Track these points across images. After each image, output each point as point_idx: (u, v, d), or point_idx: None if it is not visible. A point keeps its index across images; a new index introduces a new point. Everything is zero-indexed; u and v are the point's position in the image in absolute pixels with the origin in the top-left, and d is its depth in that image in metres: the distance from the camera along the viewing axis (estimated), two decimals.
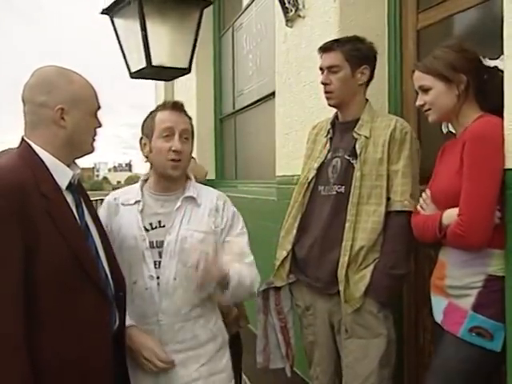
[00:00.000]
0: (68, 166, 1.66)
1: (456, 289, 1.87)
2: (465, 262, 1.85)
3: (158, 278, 1.91)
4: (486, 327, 1.78)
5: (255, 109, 5.05)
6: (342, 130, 2.40)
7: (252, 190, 4.76)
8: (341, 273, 2.21)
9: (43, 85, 1.61)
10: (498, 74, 1.92)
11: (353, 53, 2.31)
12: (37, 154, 1.59)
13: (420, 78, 1.97)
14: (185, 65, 3.40)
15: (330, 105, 2.38)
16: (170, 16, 3.24)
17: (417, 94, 2.01)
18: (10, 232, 1.45)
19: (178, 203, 1.97)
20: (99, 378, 1.61)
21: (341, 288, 2.21)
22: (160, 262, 1.92)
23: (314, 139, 2.53)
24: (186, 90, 6.17)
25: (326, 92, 2.35)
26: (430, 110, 1.97)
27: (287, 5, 3.29)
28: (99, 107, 1.73)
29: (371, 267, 2.21)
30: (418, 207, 2.06)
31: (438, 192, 1.96)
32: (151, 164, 2.01)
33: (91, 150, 1.74)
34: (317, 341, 2.38)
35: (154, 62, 3.24)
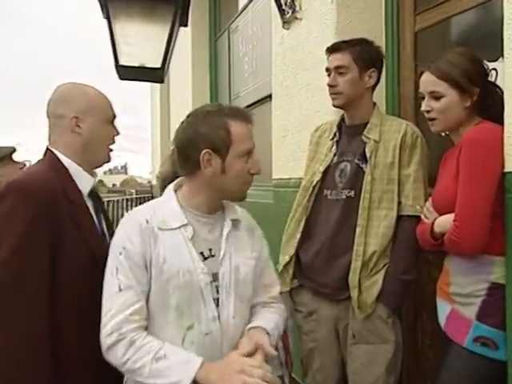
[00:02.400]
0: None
1: (461, 296, 1.85)
2: (468, 269, 1.82)
3: (218, 318, 1.62)
4: (490, 337, 1.75)
5: (251, 111, 5.00)
6: (349, 133, 2.36)
7: (248, 194, 4.72)
8: (353, 278, 2.17)
9: (60, 98, 1.78)
10: (496, 90, 1.91)
11: (362, 55, 2.27)
12: (61, 162, 1.74)
13: (432, 83, 1.88)
14: (157, 64, 3.32)
15: (334, 105, 2.34)
16: (141, 12, 3.16)
17: (422, 98, 1.94)
18: (40, 235, 1.57)
19: (227, 228, 1.69)
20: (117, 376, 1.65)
21: (353, 294, 2.17)
22: (218, 299, 1.62)
23: (316, 141, 2.49)
24: (181, 92, 6.14)
25: (332, 93, 2.31)
26: (435, 119, 1.90)
27: (284, 7, 3.27)
28: (114, 116, 1.85)
29: (382, 272, 2.18)
30: (422, 216, 2.04)
31: (438, 199, 1.94)
32: (211, 184, 1.64)
33: (107, 159, 1.86)
34: (318, 347, 2.34)
35: (122, 62, 3.16)
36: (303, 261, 2.38)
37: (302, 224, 2.38)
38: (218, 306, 1.62)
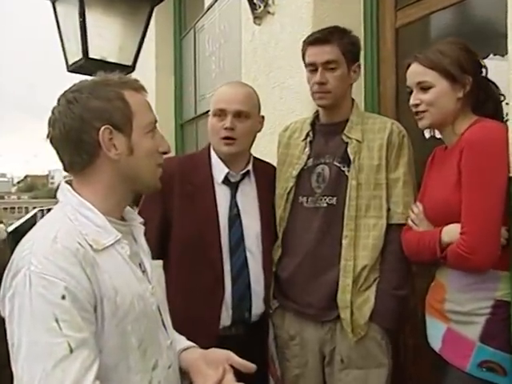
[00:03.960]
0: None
1: (458, 314, 1.67)
2: (468, 285, 1.64)
3: (171, 343, 1.41)
4: (496, 361, 1.58)
5: None
6: (326, 132, 2.14)
7: None
8: (343, 298, 1.96)
9: None
10: (489, 83, 1.76)
11: (349, 47, 2.06)
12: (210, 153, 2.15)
13: (420, 73, 1.72)
14: (128, 62, 3.11)
15: (321, 105, 2.11)
16: (117, 7, 2.96)
17: (410, 93, 1.78)
18: (155, 205, 2.02)
19: (142, 234, 1.43)
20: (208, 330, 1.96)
21: (343, 315, 1.96)
22: (163, 321, 1.40)
23: (287, 143, 2.25)
24: None
25: (319, 92, 2.06)
26: (425, 112, 1.73)
27: (255, 1, 3.08)
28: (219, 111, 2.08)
29: (373, 288, 1.98)
30: (410, 222, 1.86)
31: (433, 207, 1.75)
32: (119, 172, 1.35)
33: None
34: (304, 374, 2.10)
35: (93, 55, 2.93)
36: (282, 278, 2.15)
37: (281, 236, 2.15)
38: (166, 329, 1.40)
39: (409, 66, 1.79)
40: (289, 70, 2.87)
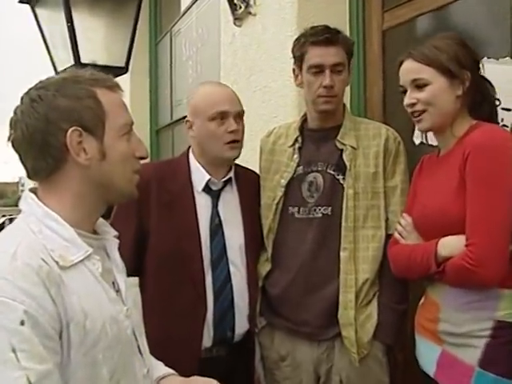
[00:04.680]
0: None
1: (454, 336, 1.54)
2: (466, 304, 1.51)
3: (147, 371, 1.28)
4: None
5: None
6: (317, 138, 2.01)
7: None
8: (346, 314, 1.84)
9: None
10: (486, 83, 1.64)
11: (351, 49, 1.97)
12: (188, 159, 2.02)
13: (415, 70, 1.60)
14: (121, 63, 2.96)
15: (325, 110, 1.96)
16: (102, 8, 2.81)
17: (403, 92, 1.66)
18: (129, 215, 1.85)
19: (115, 249, 1.28)
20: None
21: (346, 333, 1.83)
22: (139, 347, 1.27)
23: (271, 149, 2.11)
24: None
25: (326, 96, 1.92)
26: (423, 112, 1.60)
27: (236, 1, 2.96)
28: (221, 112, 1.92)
29: (374, 303, 1.87)
30: (397, 235, 1.73)
31: (426, 217, 1.62)
32: (90, 179, 1.21)
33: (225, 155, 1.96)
34: None
35: (84, 59, 2.78)
36: (272, 294, 2.00)
37: (270, 250, 2.01)
38: (142, 355, 1.26)
39: (401, 63, 1.66)
40: (271, 73, 2.75)
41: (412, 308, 1.92)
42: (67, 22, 2.68)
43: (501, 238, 1.43)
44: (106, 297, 1.15)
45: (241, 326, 1.94)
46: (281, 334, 1.99)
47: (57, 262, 1.06)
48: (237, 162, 2.18)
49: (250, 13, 2.91)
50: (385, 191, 1.89)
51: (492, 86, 1.64)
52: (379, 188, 1.89)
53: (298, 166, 2.00)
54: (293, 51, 2.02)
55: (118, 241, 1.28)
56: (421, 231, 1.65)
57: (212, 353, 1.90)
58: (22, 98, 1.16)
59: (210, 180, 1.97)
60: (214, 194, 1.99)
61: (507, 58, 1.91)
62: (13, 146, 1.16)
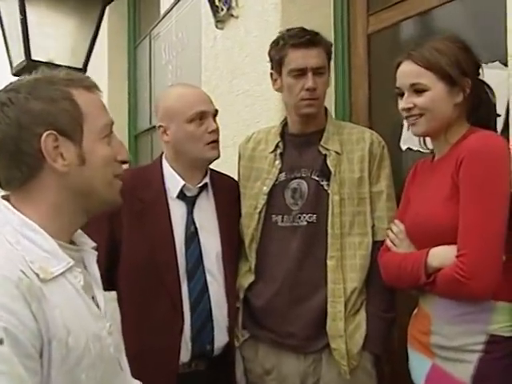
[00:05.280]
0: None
1: (445, 350, 1.46)
2: (458, 316, 1.44)
3: None
4: None
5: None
6: (299, 144, 1.95)
7: None
8: (335, 326, 1.78)
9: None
10: (485, 89, 1.58)
11: (331, 50, 1.93)
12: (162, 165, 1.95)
13: (414, 74, 1.52)
14: (79, 64, 2.86)
15: (307, 114, 1.90)
16: (65, 3, 2.71)
17: (400, 95, 1.58)
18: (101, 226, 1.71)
19: (94, 261, 1.21)
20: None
21: (336, 345, 1.77)
22: (120, 365, 1.20)
23: (250, 155, 2.04)
24: None
25: (309, 99, 1.87)
26: (420, 117, 1.53)
27: (217, 3, 2.89)
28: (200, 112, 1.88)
29: (362, 312, 1.82)
30: (388, 242, 1.66)
31: (418, 224, 1.55)
32: (68, 186, 1.13)
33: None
34: None
35: (37, 56, 2.66)
36: (256, 305, 1.93)
37: (253, 260, 1.93)
38: (124, 375, 1.21)
39: (399, 64, 1.59)
40: (254, 77, 2.69)
41: (400, 319, 1.88)
42: (20, 14, 2.56)
43: (494, 249, 1.37)
44: (88, 312, 1.08)
45: (220, 338, 1.87)
46: (265, 346, 1.92)
47: (37, 275, 0.98)
48: (219, 167, 2.11)
49: (232, 15, 2.85)
50: (370, 196, 1.85)
51: (491, 90, 1.58)
52: (365, 193, 1.85)
53: (281, 172, 1.93)
54: (270, 55, 1.96)
55: (96, 253, 1.21)
56: (413, 239, 1.59)
57: (190, 367, 1.82)
58: None
59: (184, 186, 1.89)
60: (189, 201, 1.91)
61: (496, 62, 1.87)
62: None
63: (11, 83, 1.09)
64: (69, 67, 2.83)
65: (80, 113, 1.08)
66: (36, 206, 1.07)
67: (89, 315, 1.07)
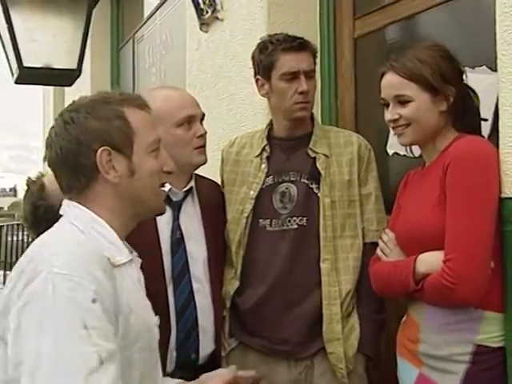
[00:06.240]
0: None
1: (433, 359, 1.45)
2: (446, 325, 1.43)
3: None
4: None
5: None
6: (286, 147, 1.93)
7: None
8: (331, 329, 1.76)
9: None
10: (470, 94, 1.58)
11: (316, 53, 1.94)
12: None
13: (398, 85, 1.52)
14: (73, 65, 2.81)
15: (300, 117, 1.89)
16: (49, 5, 2.66)
17: (386, 106, 1.58)
18: None
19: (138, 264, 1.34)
20: None
21: (332, 349, 1.75)
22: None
23: (235, 160, 2.01)
24: None
25: (302, 102, 1.86)
26: (406, 127, 1.53)
27: (202, 6, 2.86)
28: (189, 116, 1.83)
29: (355, 314, 1.81)
30: (379, 252, 1.65)
31: (407, 232, 1.54)
32: (120, 195, 1.29)
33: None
34: None
35: (28, 63, 2.62)
36: (244, 313, 1.90)
37: (240, 266, 1.90)
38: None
39: (382, 75, 1.59)
40: (240, 81, 2.66)
41: (388, 325, 1.86)
42: (6, 22, 2.52)
43: (480, 253, 1.36)
44: (143, 303, 1.24)
45: (206, 346, 1.82)
46: (254, 354, 1.89)
47: (108, 259, 1.14)
48: (204, 172, 2.07)
49: (217, 18, 2.83)
50: (360, 199, 1.86)
51: (476, 94, 1.58)
52: (355, 196, 1.85)
53: (267, 176, 1.91)
54: (256, 59, 1.94)
55: (140, 260, 1.33)
56: (404, 246, 1.57)
57: (174, 377, 1.77)
58: (56, 120, 1.24)
59: (171, 189, 1.85)
60: (175, 206, 1.87)
61: (483, 66, 1.87)
62: (48, 165, 1.26)
63: (73, 103, 1.26)
64: (64, 69, 2.79)
65: (131, 130, 1.22)
66: (97, 210, 1.22)
67: (143, 306, 1.23)
